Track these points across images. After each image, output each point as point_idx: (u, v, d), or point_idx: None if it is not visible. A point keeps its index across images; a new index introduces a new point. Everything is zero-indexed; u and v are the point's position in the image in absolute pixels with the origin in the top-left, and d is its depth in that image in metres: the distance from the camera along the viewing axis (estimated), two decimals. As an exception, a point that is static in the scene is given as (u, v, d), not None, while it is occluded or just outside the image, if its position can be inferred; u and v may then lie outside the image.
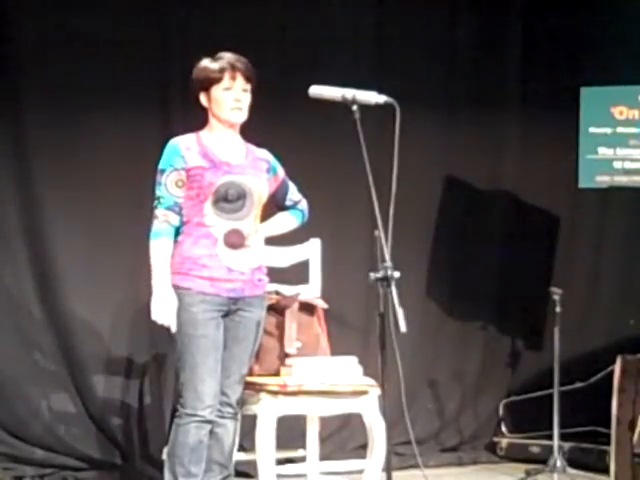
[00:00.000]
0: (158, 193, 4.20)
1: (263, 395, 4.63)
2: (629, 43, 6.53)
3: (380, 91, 3.78)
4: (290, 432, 5.15)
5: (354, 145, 3.67)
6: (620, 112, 6.53)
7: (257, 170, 4.31)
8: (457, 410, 6.69)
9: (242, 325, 4.26)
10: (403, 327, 3.45)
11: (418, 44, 6.54)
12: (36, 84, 5.69)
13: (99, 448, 5.72)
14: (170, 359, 5.44)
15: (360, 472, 4.83)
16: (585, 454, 6.13)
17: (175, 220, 4.19)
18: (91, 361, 5.74)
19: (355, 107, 3.73)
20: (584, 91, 6.51)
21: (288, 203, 4.52)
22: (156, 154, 4.28)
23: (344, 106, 3.76)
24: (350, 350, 5.01)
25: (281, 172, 4.45)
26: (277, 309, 4.90)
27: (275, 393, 4.62)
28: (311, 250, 5.26)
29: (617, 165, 6.54)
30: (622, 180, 6.54)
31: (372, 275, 3.59)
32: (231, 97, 4.22)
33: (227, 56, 4.25)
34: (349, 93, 3.76)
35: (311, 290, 5.17)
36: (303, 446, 5.13)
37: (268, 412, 4.60)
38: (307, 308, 5.03)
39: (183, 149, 4.20)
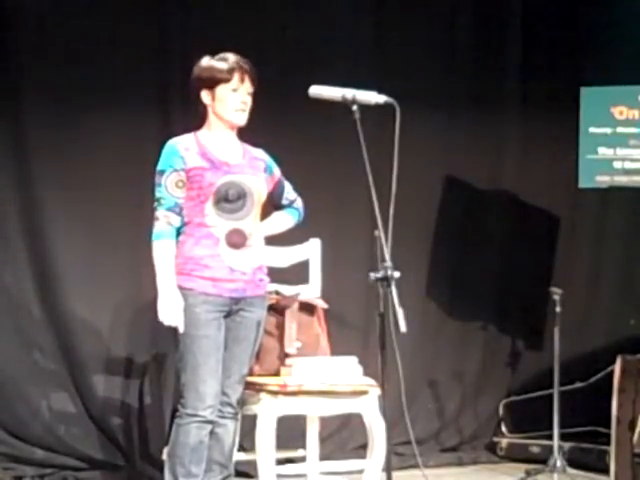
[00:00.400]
0: (158, 194, 4.20)
1: (263, 395, 4.63)
2: (629, 43, 6.53)
3: (380, 91, 3.78)
4: (290, 432, 5.15)
5: (354, 145, 3.67)
6: (620, 112, 6.53)
7: (255, 170, 4.31)
8: (457, 410, 6.69)
9: (243, 325, 4.26)
10: (403, 327, 3.45)
11: (418, 44, 6.54)
12: (36, 84, 5.69)
13: (99, 448, 5.72)
14: (170, 359, 5.45)
15: (360, 472, 4.83)
16: (585, 454, 6.13)
17: (176, 221, 4.19)
18: (91, 361, 5.74)
19: (355, 107, 3.73)
20: (584, 91, 6.51)
21: (284, 202, 4.52)
22: (156, 154, 4.28)
23: (344, 106, 3.76)
24: (350, 350, 5.01)
25: (277, 171, 4.45)
26: (277, 309, 4.90)
27: (275, 393, 4.62)
28: (311, 250, 5.26)
29: (617, 165, 6.54)
30: (622, 180, 6.54)
31: (372, 275, 3.59)
32: (238, 99, 4.22)
33: (232, 57, 4.25)
34: (349, 93, 3.76)
35: (311, 290, 5.17)
36: (303, 446, 5.13)
37: (268, 412, 4.60)
38: (307, 308, 5.03)
39: (182, 150, 4.20)
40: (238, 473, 5.17)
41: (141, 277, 5.49)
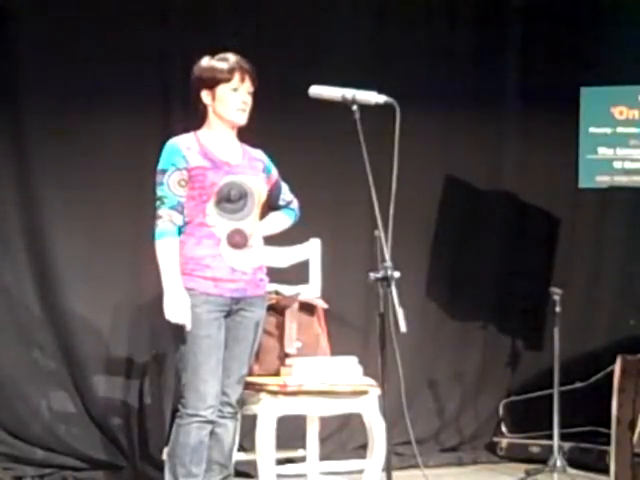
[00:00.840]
0: (160, 193, 4.19)
1: (263, 395, 4.63)
2: (629, 43, 6.53)
3: (380, 91, 3.78)
4: (290, 432, 5.14)
5: (354, 145, 3.67)
6: (620, 112, 6.53)
7: (255, 170, 4.31)
8: (457, 410, 6.69)
9: (243, 325, 4.26)
10: (403, 327, 3.45)
11: (418, 44, 6.54)
12: (36, 84, 5.69)
13: (99, 448, 5.72)
14: (170, 359, 5.45)
15: (360, 472, 4.83)
16: (585, 454, 6.13)
17: (179, 220, 4.19)
18: (91, 361, 5.74)
19: (355, 107, 3.73)
20: (584, 91, 6.51)
21: (281, 203, 4.53)
22: (156, 154, 4.27)
23: (344, 106, 3.76)
24: (350, 350, 5.01)
25: (275, 172, 4.45)
26: (277, 309, 4.90)
27: (275, 393, 4.62)
28: (311, 250, 5.26)
29: (617, 165, 6.54)
30: (622, 180, 6.54)
31: (372, 275, 3.58)
32: (238, 98, 4.22)
33: (233, 57, 4.25)
34: (349, 93, 3.76)
35: (311, 290, 5.17)
36: (303, 446, 5.13)
37: (268, 412, 4.60)
38: (307, 308, 5.03)
39: (184, 149, 4.20)
40: (238, 473, 5.17)
41: (141, 277, 5.49)
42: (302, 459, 5.20)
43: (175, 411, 4.23)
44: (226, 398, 4.25)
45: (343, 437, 6.16)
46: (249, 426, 4.72)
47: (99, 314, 5.77)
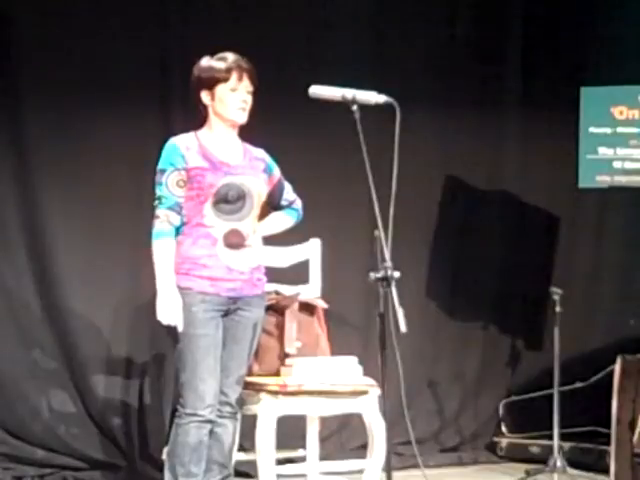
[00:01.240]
0: (159, 193, 4.20)
1: (263, 395, 4.63)
2: (629, 43, 6.54)
3: (380, 91, 3.78)
4: (290, 432, 5.14)
5: (354, 145, 3.67)
6: (620, 112, 6.53)
7: (255, 170, 4.31)
8: (457, 410, 6.69)
9: (241, 325, 4.27)
10: (403, 327, 3.44)
11: (418, 44, 6.54)
12: (36, 84, 5.69)
13: (99, 448, 5.72)
14: (170, 359, 5.44)
15: (360, 472, 4.82)
16: (585, 454, 6.13)
17: (176, 220, 4.19)
18: (91, 361, 5.74)
19: (355, 107, 3.72)
20: (584, 91, 6.51)
21: (283, 203, 4.53)
22: (156, 154, 4.28)
23: (344, 106, 3.76)
24: (350, 350, 5.01)
25: (277, 172, 4.45)
26: (277, 309, 4.90)
27: (275, 393, 4.62)
28: (311, 250, 5.25)
29: (617, 165, 6.54)
30: (622, 180, 6.54)
31: (372, 275, 3.58)
32: (237, 98, 4.23)
33: (231, 56, 4.26)
34: (349, 93, 3.76)
35: (311, 290, 5.17)
36: (303, 446, 5.13)
37: (268, 412, 4.60)
38: (307, 308, 5.02)
39: (183, 149, 4.20)
40: (238, 473, 5.17)
41: (141, 277, 5.49)
42: (302, 459, 5.20)
43: (175, 411, 4.23)
44: (225, 398, 4.25)
45: (343, 437, 6.16)
46: (249, 426, 4.72)
47: (99, 314, 5.77)
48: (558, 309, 5.77)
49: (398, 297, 3.50)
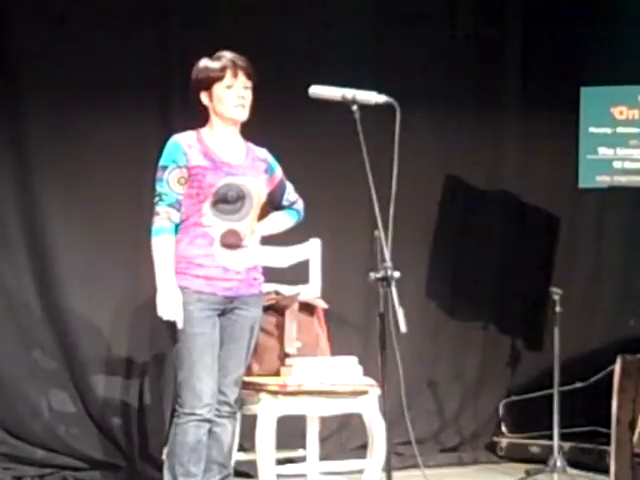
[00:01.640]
0: (159, 189, 4.20)
1: (263, 395, 4.62)
2: (629, 43, 6.54)
3: (380, 91, 3.78)
4: (290, 432, 5.14)
5: (354, 145, 3.67)
6: (620, 112, 6.54)
7: (256, 171, 4.31)
8: (457, 410, 6.69)
9: (238, 324, 4.27)
10: (403, 327, 3.44)
11: (418, 44, 6.54)
12: (36, 84, 5.69)
13: (99, 448, 5.72)
14: (170, 359, 5.44)
15: (360, 472, 4.82)
16: (585, 454, 6.13)
17: (176, 217, 4.19)
18: (91, 361, 5.74)
19: (355, 107, 3.72)
20: (584, 91, 6.52)
21: (285, 203, 4.53)
22: (156, 153, 4.28)
23: (344, 106, 3.76)
24: (350, 350, 5.01)
25: (279, 172, 4.45)
26: (277, 309, 4.90)
27: (275, 393, 4.62)
28: (311, 250, 5.25)
29: (617, 165, 6.55)
30: (622, 180, 6.55)
31: (372, 275, 3.58)
32: (234, 94, 4.23)
33: (227, 55, 4.26)
34: (349, 93, 3.76)
35: (311, 290, 5.17)
36: (303, 446, 5.13)
37: (268, 412, 4.59)
38: (307, 308, 5.02)
39: (185, 146, 4.20)
40: (238, 473, 5.17)
41: (141, 276, 5.48)
42: (302, 459, 5.19)
43: (175, 411, 4.23)
44: (224, 397, 4.25)
45: (343, 437, 6.16)
46: (249, 426, 4.72)
47: (99, 314, 5.77)
48: (558, 309, 5.78)
49: (398, 297, 3.50)
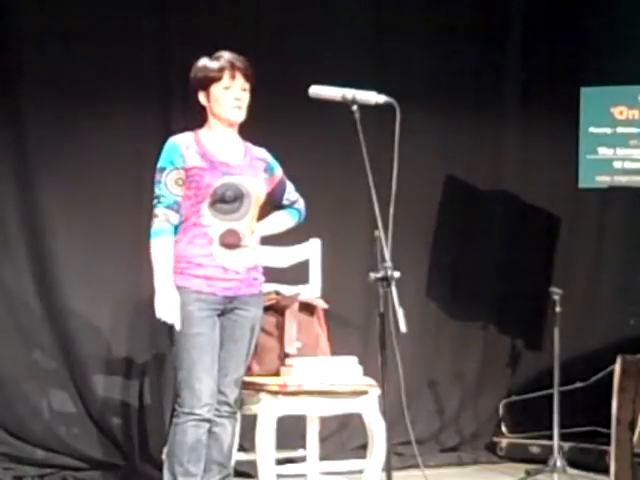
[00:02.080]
0: (158, 192, 4.20)
1: (263, 395, 4.62)
2: (629, 43, 6.54)
3: (380, 91, 3.78)
4: (290, 432, 5.15)
5: (354, 145, 3.67)
6: (620, 112, 6.53)
7: (255, 170, 4.31)
8: (457, 410, 6.69)
9: (238, 324, 4.27)
10: (403, 327, 3.45)
11: (418, 44, 6.54)
12: (36, 84, 5.69)
13: (99, 448, 5.72)
14: (170, 359, 5.44)
15: (360, 472, 4.82)
16: (585, 454, 6.13)
17: (175, 219, 4.19)
18: (91, 361, 5.74)
19: (355, 107, 3.72)
20: (584, 91, 6.51)
21: (285, 202, 4.53)
22: (156, 154, 4.28)
23: (344, 106, 3.76)
24: (350, 350, 5.01)
25: (279, 171, 4.45)
26: (277, 309, 4.90)
27: (275, 393, 4.62)
28: (311, 250, 5.25)
29: (617, 165, 6.54)
30: (622, 180, 6.54)
31: (372, 275, 3.58)
32: (231, 96, 4.22)
33: (226, 55, 4.26)
34: (349, 93, 3.76)
35: (311, 290, 5.17)
36: (303, 446, 5.13)
37: (268, 412, 4.59)
38: (307, 308, 5.02)
39: (183, 148, 4.20)
40: (238, 473, 5.16)
41: (141, 276, 5.48)
42: (302, 459, 5.19)
43: (174, 410, 4.23)
44: (224, 397, 4.25)
45: (343, 437, 6.16)
46: (249, 426, 4.72)
47: (99, 314, 5.77)
48: (558, 309, 5.78)
49: (398, 297, 3.50)
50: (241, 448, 5.00)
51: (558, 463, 5.71)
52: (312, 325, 5.01)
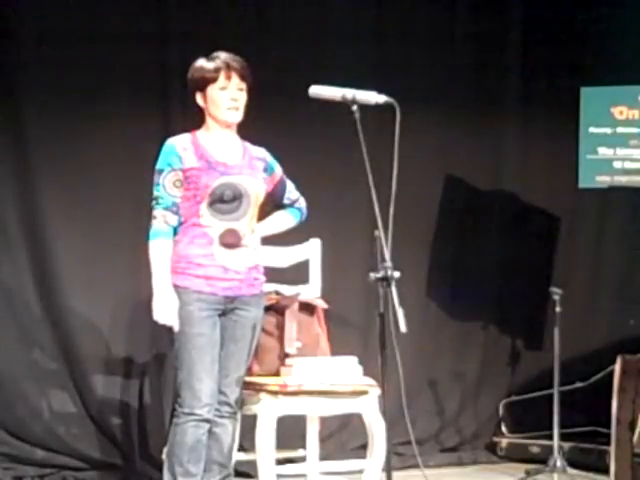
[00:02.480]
0: (156, 193, 4.20)
1: (263, 395, 4.63)
2: (629, 43, 6.54)
3: (380, 91, 3.78)
4: (290, 432, 5.14)
5: (354, 145, 3.67)
6: (620, 112, 6.54)
7: (254, 170, 4.31)
8: (457, 410, 6.69)
9: (239, 324, 4.27)
10: (403, 327, 3.45)
11: (418, 43, 6.54)
12: (36, 84, 5.69)
13: (99, 448, 5.72)
14: (170, 359, 5.44)
15: (360, 472, 4.82)
16: (585, 454, 6.13)
17: (173, 220, 4.19)
18: (91, 361, 5.74)
19: (355, 107, 3.73)
20: (584, 91, 6.52)
21: (286, 202, 4.53)
22: (156, 154, 4.28)
23: (344, 106, 3.76)
24: (350, 350, 5.01)
25: (279, 171, 4.45)
26: (277, 309, 4.90)
27: (275, 393, 4.62)
28: (311, 250, 5.25)
29: (617, 165, 6.55)
30: (622, 180, 6.55)
31: (372, 275, 3.59)
32: (227, 97, 4.22)
33: (222, 55, 4.25)
34: (349, 93, 3.76)
35: (311, 290, 5.17)
36: (303, 446, 5.13)
37: (268, 412, 4.60)
38: (307, 308, 5.02)
39: (180, 149, 4.20)
40: (238, 473, 5.17)
41: (141, 277, 5.45)
42: (302, 459, 5.19)
43: (174, 410, 4.23)
44: (224, 398, 4.25)
45: (343, 437, 6.16)
46: (249, 426, 4.72)
47: (99, 314, 5.77)
48: (558, 309, 5.77)
49: (398, 297, 3.50)
50: (241, 448, 5.01)
51: (558, 463, 5.71)
52: (312, 325, 5.01)
